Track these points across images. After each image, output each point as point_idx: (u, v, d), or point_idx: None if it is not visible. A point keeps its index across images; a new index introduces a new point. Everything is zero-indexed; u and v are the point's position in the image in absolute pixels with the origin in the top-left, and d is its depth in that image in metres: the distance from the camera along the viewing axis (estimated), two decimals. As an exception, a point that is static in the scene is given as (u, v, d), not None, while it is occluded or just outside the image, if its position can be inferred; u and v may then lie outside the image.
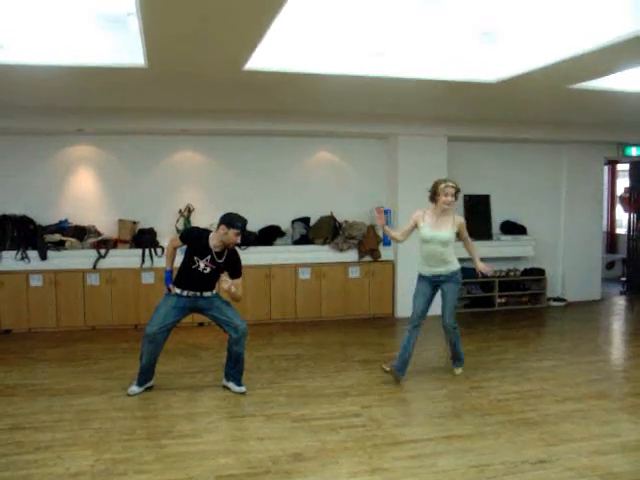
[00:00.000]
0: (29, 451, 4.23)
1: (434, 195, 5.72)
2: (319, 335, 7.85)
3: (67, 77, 5.70)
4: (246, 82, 6.07)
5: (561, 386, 5.72)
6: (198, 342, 7.27)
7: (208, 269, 5.32)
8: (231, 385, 5.53)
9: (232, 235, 5.23)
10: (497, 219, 9.80)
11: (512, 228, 9.76)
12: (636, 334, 8.18)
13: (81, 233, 8.13)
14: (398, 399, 5.47)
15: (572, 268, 10.12)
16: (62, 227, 8.14)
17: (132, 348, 6.61)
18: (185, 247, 5.45)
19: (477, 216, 9.63)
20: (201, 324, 7.97)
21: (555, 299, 10.00)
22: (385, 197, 9.17)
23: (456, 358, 6.15)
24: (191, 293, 5.36)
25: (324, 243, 8.73)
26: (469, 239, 6.03)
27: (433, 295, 5.91)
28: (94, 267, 7.99)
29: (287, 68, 5.62)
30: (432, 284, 5.85)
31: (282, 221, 8.89)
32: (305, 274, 8.66)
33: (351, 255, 8.81)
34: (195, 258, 5.31)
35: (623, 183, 12.30)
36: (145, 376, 5.46)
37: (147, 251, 8.13)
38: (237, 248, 5.50)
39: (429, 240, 5.72)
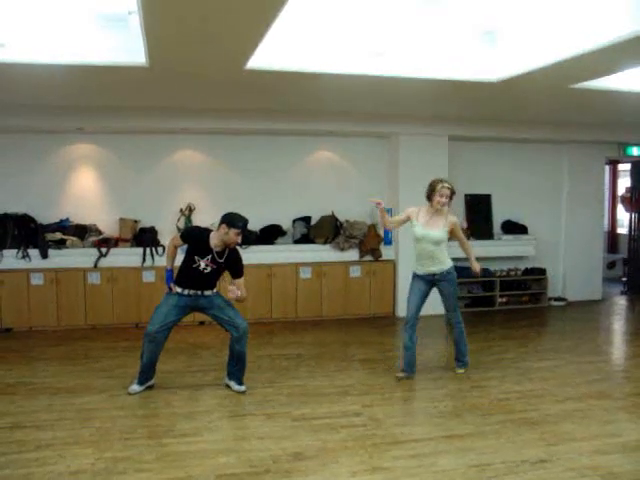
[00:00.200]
0: (30, 449, 4.24)
1: (430, 193, 5.75)
2: (320, 334, 7.85)
3: (68, 76, 5.71)
4: (247, 81, 6.07)
5: (562, 386, 5.72)
6: (199, 341, 7.27)
7: (209, 268, 5.32)
8: (232, 384, 5.54)
9: (233, 235, 5.23)
10: (498, 219, 9.79)
11: (513, 228, 9.76)
12: (637, 334, 8.17)
13: (82, 232, 8.13)
14: (399, 398, 5.47)
15: (573, 268, 10.12)
16: (63, 226, 8.14)
17: (133, 347, 6.61)
18: (186, 246, 5.45)
19: (478, 215, 9.63)
20: (202, 323, 7.98)
21: (556, 299, 9.99)
22: (386, 196, 9.16)
23: (459, 357, 6.15)
24: (192, 292, 5.36)
25: (325, 242, 8.73)
26: (464, 239, 6.06)
27: (427, 293, 5.93)
28: (95, 266, 7.99)
29: (289, 67, 5.62)
30: (427, 283, 5.88)
31: (283, 220, 8.90)
32: (306, 273, 8.66)
33: (352, 254, 8.81)
34: (196, 257, 5.30)
35: (624, 183, 12.29)
36: (146, 375, 5.46)
37: (148, 250, 8.13)
38: (238, 247, 5.50)
39: (421, 239, 5.76)
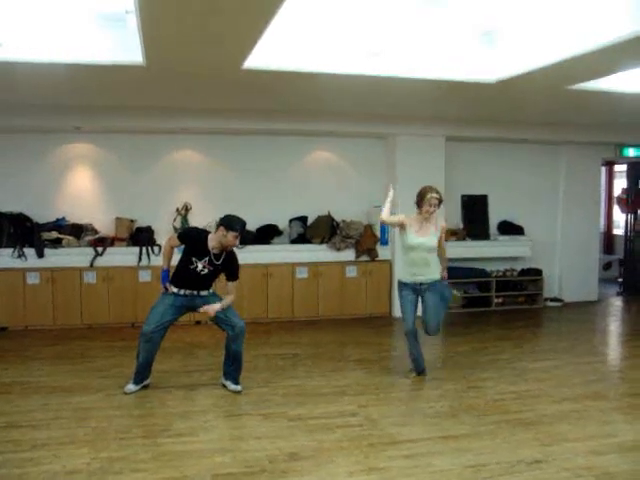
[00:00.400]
0: (25, 449, 4.23)
1: (420, 202, 5.71)
2: (316, 334, 7.85)
3: (65, 75, 5.70)
4: (245, 81, 6.07)
5: (557, 386, 5.73)
6: (195, 341, 7.27)
7: (205, 270, 5.32)
8: (228, 384, 5.53)
9: (231, 237, 5.22)
10: (495, 219, 9.80)
11: (509, 228, 9.77)
12: (632, 335, 8.19)
13: (78, 231, 8.12)
14: (395, 399, 5.47)
15: (569, 269, 10.14)
16: (59, 225, 8.13)
17: (129, 346, 6.60)
18: (182, 247, 5.45)
19: (475, 216, 9.65)
20: (198, 322, 7.97)
21: (552, 299, 10.01)
22: (383, 196, 9.14)
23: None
24: (188, 292, 5.36)
25: (321, 242, 8.73)
26: (444, 245, 5.95)
27: (417, 301, 5.87)
28: (91, 265, 7.98)
29: (286, 67, 5.62)
30: (415, 292, 5.80)
31: (280, 220, 8.90)
32: (302, 273, 8.66)
33: (348, 254, 8.81)
34: (193, 259, 5.30)
35: (620, 184, 12.30)
36: (142, 374, 5.45)
37: (144, 249, 8.12)
38: (235, 249, 5.49)
39: (416, 247, 5.69)
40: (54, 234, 7.96)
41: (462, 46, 5.80)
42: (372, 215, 9.06)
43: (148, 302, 5.63)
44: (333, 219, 8.87)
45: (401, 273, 5.95)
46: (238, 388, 5.49)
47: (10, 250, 7.76)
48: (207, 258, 5.29)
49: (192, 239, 5.39)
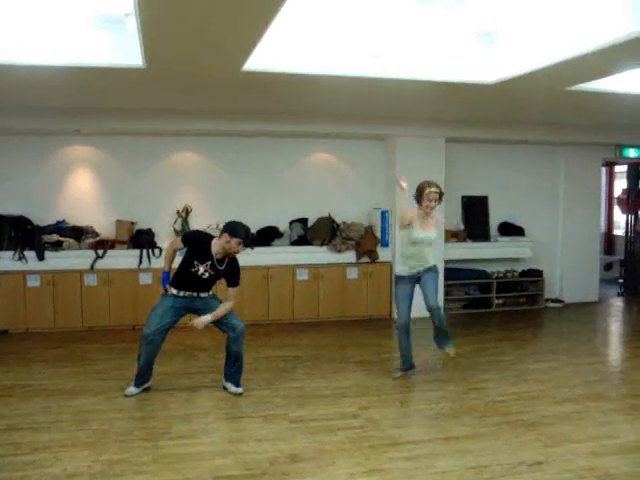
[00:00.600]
0: (26, 452, 4.22)
1: (419, 197, 5.74)
2: (317, 336, 7.84)
3: (65, 77, 5.70)
4: (245, 83, 6.07)
5: (558, 387, 5.72)
6: (196, 343, 7.25)
7: (207, 274, 5.31)
8: (229, 386, 5.53)
9: (234, 244, 5.22)
10: (495, 220, 9.80)
11: (510, 229, 9.76)
12: (633, 335, 8.19)
13: (79, 233, 8.12)
14: (396, 400, 5.46)
15: (570, 269, 10.13)
16: (60, 227, 8.12)
17: (129, 349, 6.59)
18: (184, 249, 5.44)
19: (475, 217, 9.65)
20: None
21: (553, 300, 10.00)
22: (383, 198, 9.17)
23: (445, 336, 5.98)
24: (187, 293, 5.36)
25: (322, 244, 8.73)
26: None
27: (413, 295, 5.90)
28: (92, 267, 7.98)
29: (286, 69, 5.62)
30: (412, 283, 5.85)
31: (280, 222, 8.89)
32: (303, 275, 8.66)
33: (349, 256, 8.80)
34: (195, 262, 5.29)
35: (621, 184, 12.31)
36: (143, 377, 5.45)
37: (145, 252, 8.12)
38: (249, 249, 5.47)
39: (420, 241, 5.73)
40: (55, 237, 7.95)
41: (462, 47, 5.80)
42: (372, 216, 9.07)
43: (149, 305, 5.62)
44: (333, 221, 8.87)
45: (399, 267, 5.95)
46: (239, 390, 5.49)
47: (11, 253, 7.75)
48: (209, 263, 5.29)
49: (195, 243, 5.39)
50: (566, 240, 10.12)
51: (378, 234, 8.93)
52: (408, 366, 6.03)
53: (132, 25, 4.73)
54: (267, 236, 8.71)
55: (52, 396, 5.41)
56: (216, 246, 5.30)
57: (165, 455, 4.22)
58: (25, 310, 7.83)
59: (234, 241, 5.21)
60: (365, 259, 8.86)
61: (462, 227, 9.51)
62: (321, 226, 8.82)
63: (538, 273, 9.83)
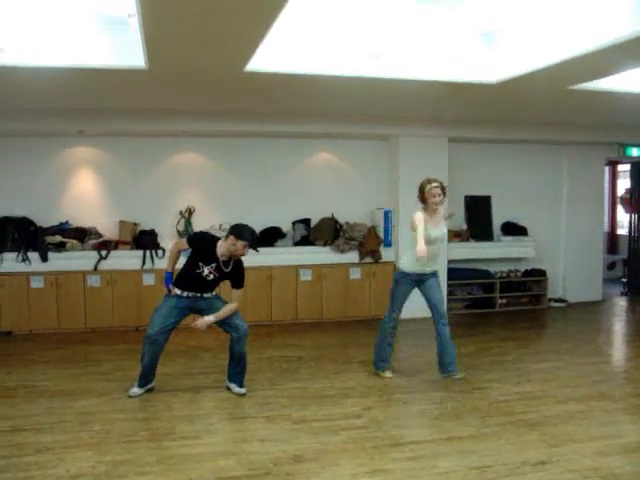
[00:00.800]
0: (29, 453, 4.23)
1: (423, 196, 5.67)
2: (320, 336, 7.84)
3: (67, 79, 5.71)
4: (247, 83, 6.07)
5: (562, 387, 5.71)
6: (199, 343, 7.26)
7: (212, 276, 5.31)
8: (232, 386, 5.53)
9: (240, 247, 5.22)
10: (498, 220, 9.79)
11: (513, 229, 9.76)
12: (637, 335, 8.18)
13: (82, 235, 8.13)
14: (399, 400, 5.46)
15: (573, 269, 10.12)
16: (63, 229, 8.13)
17: (133, 350, 6.59)
18: (188, 251, 5.45)
19: (478, 217, 9.64)
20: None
21: (556, 300, 9.99)
22: (386, 198, 9.17)
23: (452, 360, 5.84)
24: (191, 294, 5.36)
25: (325, 244, 8.73)
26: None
27: (411, 293, 5.89)
28: (95, 269, 7.99)
29: (289, 69, 5.63)
30: (415, 283, 5.80)
31: (283, 222, 8.89)
32: (306, 275, 8.66)
33: (352, 256, 8.80)
34: (200, 263, 5.29)
35: (624, 184, 12.29)
36: (146, 378, 5.45)
37: (148, 252, 8.12)
38: (254, 250, 5.47)
39: (434, 240, 5.64)
40: (58, 238, 7.97)
41: (463, 47, 5.80)
42: (375, 216, 9.07)
43: (152, 305, 5.63)
44: (336, 221, 8.87)
45: (406, 264, 5.81)
46: (243, 391, 5.49)
47: (14, 254, 7.77)
48: (214, 265, 5.29)
49: (201, 244, 5.38)
50: (569, 240, 10.10)
51: (381, 234, 8.92)
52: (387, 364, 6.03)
53: (135, 26, 4.74)
54: (270, 237, 8.71)
55: (55, 397, 5.42)
56: (222, 248, 5.30)
57: (169, 456, 4.22)
58: (29, 311, 7.84)
59: (240, 244, 5.21)
60: (368, 259, 8.85)
61: (465, 227, 9.50)
62: (324, 226, 8.82)
63: (541, 273, 9.82)
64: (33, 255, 7.81)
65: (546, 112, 8.08)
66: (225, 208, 8.63)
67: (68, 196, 8.43)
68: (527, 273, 9.83)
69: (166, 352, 5.56)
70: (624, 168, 12.28)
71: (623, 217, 12.45)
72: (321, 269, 8.70)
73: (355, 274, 8.83)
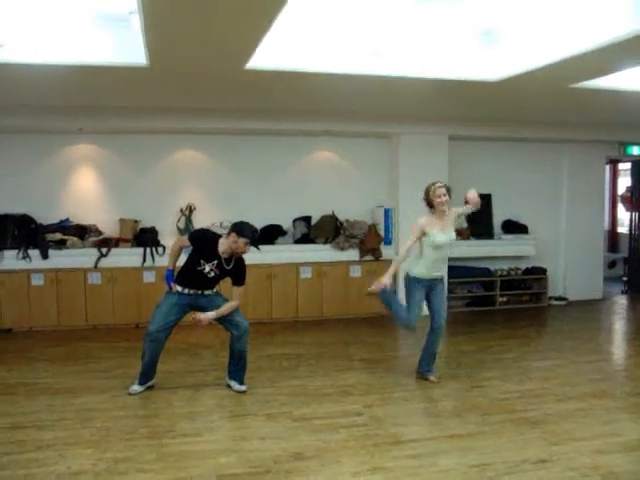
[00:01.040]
0: (30, 450, 4.24)
1: (429, 199, 5.62)
2: (320, 334, 7.85)
3: (68, 76, 5.71)
4: (247, 81, 6.07)
5: (562, 385, 5.72)
6: (199, 341, 7.26)
7: (213, 273, 5.31)
8: (232, 384, 5.54)
9: (242, 244, 5.23)
10: (498, 218, 9.79)
11: (513, 227, 9.76)
12: (637, 333, 8.18)
13: (82, 232, 8.13)
14: (399, 398, 5.46)
15: (573, 267, 10.12)
16: (63, 226, 8.13)
17: (133, 347, 6.59)
18: (190, 248, 5.44)
19: (478, 215, 9.55)
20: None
21: (556, 298, 9.99)
22: (386, 196, 9.17)
23: (433, 360, 5.95)
24: (192, 291, 5.36)
25: (325, 242, 8.73)
26: (461, 209, 5.85)
27: (427, 294, 5.84)
28: (95, 266, 7.99)
29: (289, 67, 5.63)
30: (426, 288, 5.75)
31: (283, 220, 8.89)
32: (306, 273, 8.66)
33: (352, 254, 8.80)
34: (201, 261, 5.29)
35: (625, 182, 12.29)
36: (147, 375, 5.46)
37: (148, 250, 8.12)
38: (255, 248, 5.46)
39: (442, 245, 5.60)
40: (58, 235, 7.97)
41: (463, 45, 5.80)
42: (376, 214, 9.06)
43: (152, 303, 5.63)
44: (337, 219, 8.87)
45: (415, 270, 5.71)
46: (243, 388, 5.50)
47: (15, 251, 7.77)
48: (216, 262, 5.29)
49: (202, 241, 5.38)
50: (570, 238, 10.10)
51: (381, 232, 8.92)
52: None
53: (136, 23, 4.73)
54: (270, 234, 8.71)
55: (56, 394, 5.42)
56: (223, 245, 5.30)
57: (169, 453, 4.23)
58: (29, 309, 7.84)
59: (241, 241, 5.21)
60: (368, 257, 8.85)
61: (465, 225, 9.49)
62: (324, 224, 8.82)
63: (542, 271, 9.82)
64: (33, 252, 7.81)
65: (546, 110, 8.07)
66: (226, 206, 8.63)
67: (69, 193, 8.43)
68: (527, 271, 9.83)
69: (167, 349, 5.56)
70: (625, 166, 12.27)
71: (624, 215, 12.45)
72: (321, 267, 8.70)
73: (355, 272, 8.83)
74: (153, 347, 5.32)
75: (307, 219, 8.92)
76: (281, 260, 8.56)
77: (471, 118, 8.62)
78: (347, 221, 8.88)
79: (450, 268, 9.03)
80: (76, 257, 7.95)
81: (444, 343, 6.58)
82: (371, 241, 8.80)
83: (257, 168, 8.87)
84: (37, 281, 7.84)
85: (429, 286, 5.76)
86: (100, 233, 8.23)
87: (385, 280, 5.55)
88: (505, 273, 9.70)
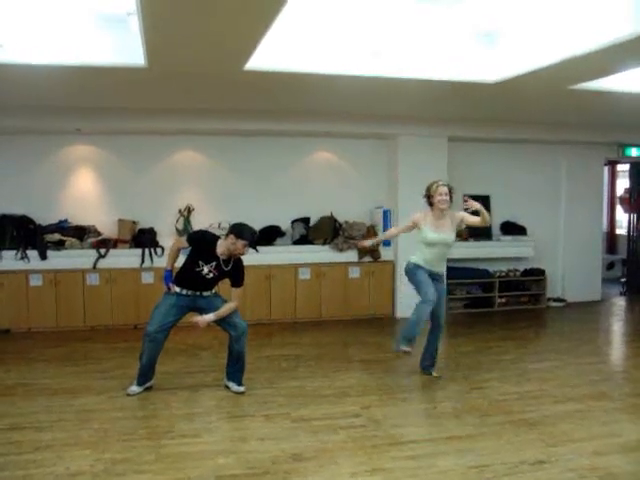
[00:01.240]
0: (28, 451, 4.23)
1: (429, 198, 5.71)
2: (319, 335, 7.85)
3: (66, 77, 5.70)
4: (246, 82, 6.07)
5: (561, 387, 5.72)
6: (198, 342, 7.26)
7: (211, 275, 5.31)
8: (231, 385, 5.53)
9: (240, 246, 5.23)
10: (497, 219, 9.78)
11: (512, 228, 9.76)
12: (636, 335, 8.18)
13: (81, 233, 8.13)
14: (398, 399, 5.46)
15: (572, 268, 10.12)
16: (62, 227, 8.13)
17: (132, 348, 6.59)
18: (188, 249, 5.44)
19: (477, 216, 9.60)
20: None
21: (555, 299, 10.00)
22: (385, 197, 9.17)
23: (434, 359, 6.07)
24: (190, 292, 5.36)
25: (324, 243, 8.73)
26: (476, 219, 5.78)
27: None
28: (94, 267, 7.98)
29: (287, 68, 5.63)
30: (430, 275, 5.81)
31: (282, 221, 8.89)
32: (305, 274, 8.66)
33: (351, 255, 8.80)
34: (200, 262, 5.29)
35: (623, 184, 12.30)
36: (145, 376, 5.45)
37: (147, 251, 8.12)
38: (253, 250, 5.47)
39: (434, 243, 5.69)
40: (57, 236, 7.96)
41: (462, 46, 5.80)
42: (375, 216, 9.07)
43: (151, 304, 5.62)
44: (335, 220, 8.87)
45: (414, 259, 5.82)
46: (241, 389, 5.49)
47: (13, 252, 7.76)
48: (214, 263, 5.29)
49: (200, 243, 5.38)
50: (568, 239, 10.11)
51: (380, 233, 8.92)
52: (411, 342, 5.75)
53: (134, 24, 4.73)
54: (269, 235, 8.71)
55: (54, 395, 5.41)
56: (221, 247, 5.30)
57: (167, 454, 4.22)
58: (27, 309, 7.84)
59: (240, 243, 5.21)
60: (367, 258, 8.86)
61: (464, 226, 9.48)
62: (323, 225, 8.82)
63: (540, 272, 9.82)
64: (32, 253, 7.80)
65: (546, 112, 8.08)
66: (224, 207, 8.63)
67: (67, 194, 8.43)
68: (526, 272, 9.83)
69: (165, 350, 5.56)
70: (623, 168, 12.27)
71: (622, 217, 12.46)
72: (320, 268, 8.70)
73: (354, 273, 8.83)
74: (151, 348, 5.31)
75: (306, 220, 8.92)
76: (280, 261, 8.56)
77: (470, 119, 8.62)
78: (346, 222, 8.88)
79: (449, 269, 9.01)
80: (75, 258, 7.95)
81: (443, 344, 6.58)
82: (370, 242, 8.80)
83: (255, 169, 8.87)
84: (35, 282, 7.84)
85: (430, 276, 5.79)
86: (99, 234, 8.23)
87: (365, 242, 6.45)
88: (504, 274, 9.70)
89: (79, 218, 8.33)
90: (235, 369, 5.52)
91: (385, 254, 8.92)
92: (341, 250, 8.71)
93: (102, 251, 8.00)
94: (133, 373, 5.56)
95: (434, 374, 5.98)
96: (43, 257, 7.81)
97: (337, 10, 5.14)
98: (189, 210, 8.57)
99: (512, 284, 9.74)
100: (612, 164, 12.28)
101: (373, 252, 8.82)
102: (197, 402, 5.33)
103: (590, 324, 8.78)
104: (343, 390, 5.63)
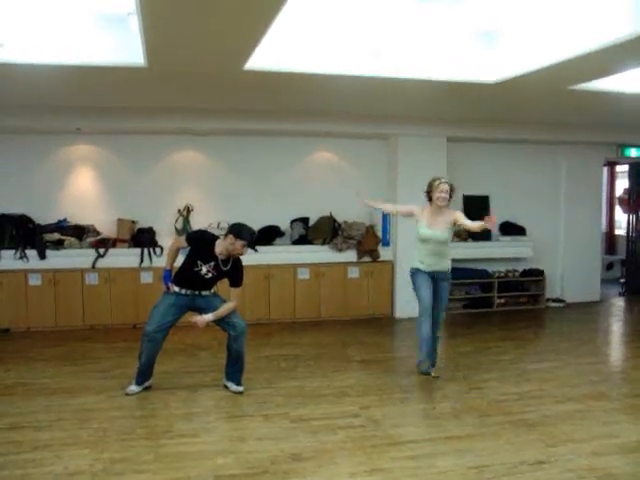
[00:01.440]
0: (27, 450, 4.22)
1: (430, 192, 5.81)
2: (318, 335, 7.84)
3: (67, 76, 5.70)
4: (246, 82, 6.07)
5: (560, 387, 5.72)
6: (197, 342, 7.25)
7: (210, 274, 5.31)
8: (230, 384, 5.53)
9: (239, 246, 5.23)
10: (496, 220, 9.75)
11: (511, 229, 9.76)
12: (635, 335, 8.18)
13: (80, 232, 8.12)
14: (397, 399, 5.45)
15: (571, 269, 10.12)
16: (61, 226, 8.12)
17: (131, 347, 6.58)
18: (187, 249, 5.44)
19: (476, 217, 9.51)
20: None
21: (554, 300, 9.99)
22: (385, 197, 9.15)
23: (435, 358, 6.12)
24: (189, 291, 5.36)
25: (323, 243, 8.72)
26: (469, 222, 5.79)
27: (433, 287, 5.91)
28: (93, 266, 7.98)
29: (287, 68, 5.63)
30: (431, 278, 5.87)
31: (281, 221, 8.88)
32: (304, 274, 8.65)
33: (350, 255, 8.80)
34: (198, 262, 5.29)
35: (622, 184, 12.30)
36: (144, 375, 5.45)
37: (146, 250, 8.12)
38: (251, 250, 5.46)
39: (427, 239, 5.81)
40: (56, 235, 7.96)
41: (462, 46, 5.80)
42: (374, 216, 9.06)
43: (150, 303, 5.62)
44: (335, 220, 8.86)
45: (416, 262, 5.94)
46: (240, 389, 5.49)
47: (12, 252, 7.75)
48: (213, 263, 5.29)
49: (199, 242, 5.38)
50: (567, 240, 10.11)
51: (379, 233, 8.93)
52: (430, 358, 5.95)
53: (134, 24, 4.73)
54: (268, 235, 8.70)
55: (53, 395, 5.41)
56: (220, 247, 5.30)
57: (166, 454, 4.22)
58: (26, 309, 7.83)
59: (239, 243, 5.21)
60: (366, 258, 8.85)
61: (461, 226, 9.48)
62: (322, 225, 8.82)
63: (539, 273, 9.82)
64: (31, 252, 7.79)
65: (545, 112, 8.08)
66: (223, 206, 8.62)
67: (66, 193, 8.42)
68: (525, 273, 9.83)
69: (164, 350, 5.55)
70: (622, 169, 12.27)
71: (621, 217, 12.46)
72: (319, 268, 8.70)
73: (353, 273, 8.83)
74: (150, 347, 5.31)
75: (305, 220, 8.91)
76: (279, 261, 8.56)
77: (470, 119, 8.62)
78: (345, 222, 8.88)
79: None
80: (74, 257, 7.94)
81: (442, 345, 6.58)
82: (369, 242, 8.80)
83: (255, 169, 8.87)
84: (35, 281, 7.83)
85: (432, 278, 5.85)
86: (98, 233, 8.22)
87: (366, 200, 6.57)
88: (503, 275, 9.70)
89: (78, 217, 8.32)
90: (234, 369, 5.52)
91: (384, 254, 8.92)
92: (340, 250, 8.71)
93: (101, 251, 8.00)
94: (132, 373, 5.55)
95: (433, 374, 5.98)
96: (42, 256, 7.81)
97: (337, 10, 5.13)
98: (188, 210, 8.56)
99: (511, 284, 9.73)
100: (611, 165, 12.29)
101: (372, 252, 8.82)
102: (196, 402, 5.32)
103: (589, 324, 8.79)
104: (342, 390, 5.63)
